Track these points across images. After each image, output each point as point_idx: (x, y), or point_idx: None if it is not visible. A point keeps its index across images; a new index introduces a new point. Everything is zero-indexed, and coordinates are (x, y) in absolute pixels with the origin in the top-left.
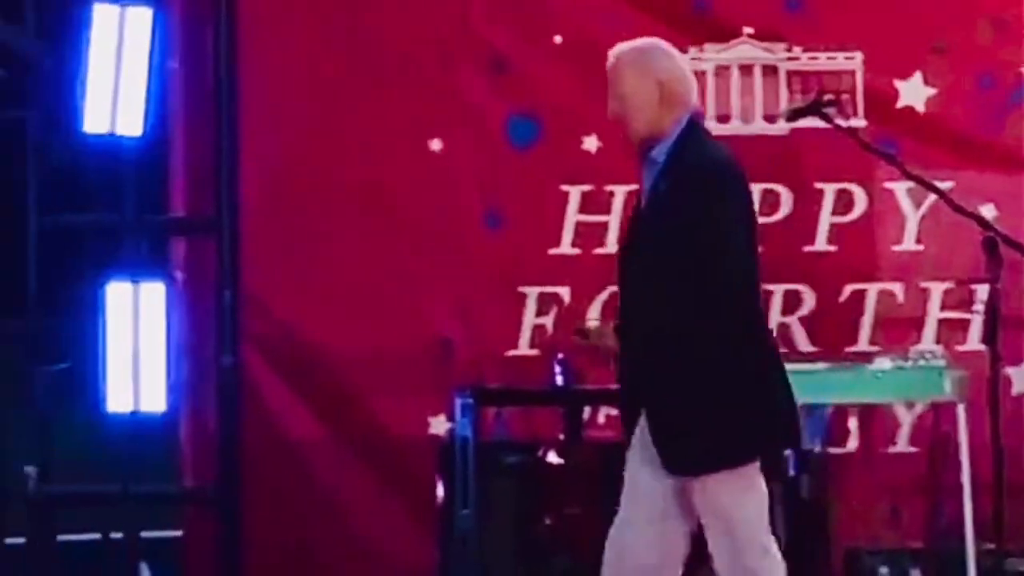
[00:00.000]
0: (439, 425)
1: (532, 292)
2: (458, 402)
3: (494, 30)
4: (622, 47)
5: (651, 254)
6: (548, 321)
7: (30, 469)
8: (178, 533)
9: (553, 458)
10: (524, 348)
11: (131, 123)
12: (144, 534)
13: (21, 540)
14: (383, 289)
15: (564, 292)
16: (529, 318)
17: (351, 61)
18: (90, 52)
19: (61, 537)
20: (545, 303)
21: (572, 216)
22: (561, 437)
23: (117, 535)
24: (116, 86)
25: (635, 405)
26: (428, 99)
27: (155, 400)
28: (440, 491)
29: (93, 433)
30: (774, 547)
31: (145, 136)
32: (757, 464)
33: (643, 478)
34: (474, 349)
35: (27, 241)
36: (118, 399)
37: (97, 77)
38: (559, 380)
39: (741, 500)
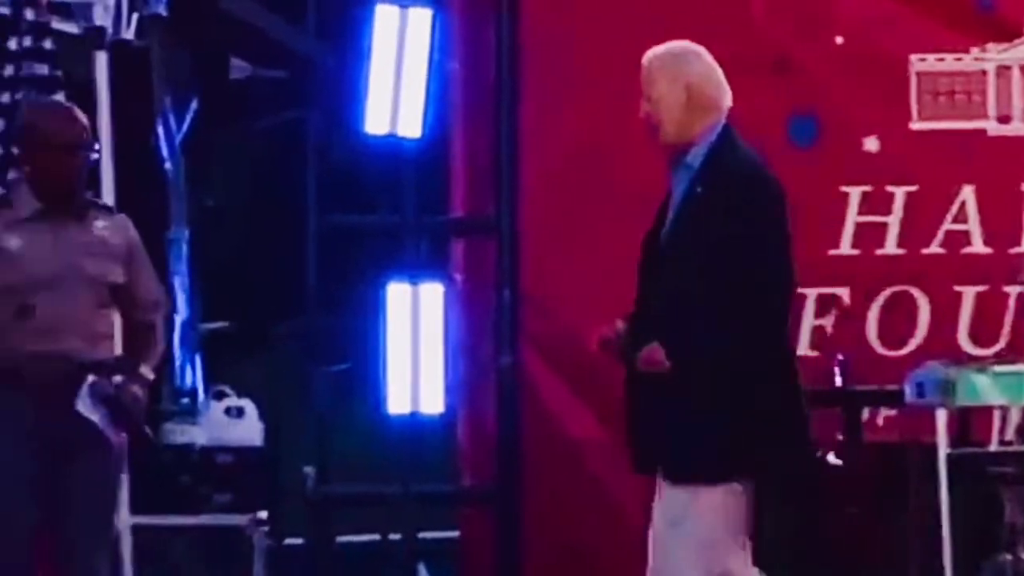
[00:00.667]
0: None
1: (811, 293)
2: None
3: (777, 30)
4: (655, 50)
5: (684, 257)
6: (827, 322)
7: (309, 469)
8: (456, 534)
9: (832, 459)
10: (803, 349)
11: (411, 124)
12: (422, 535)
13: (300, 541)
14: None
15: (843, 293)
16: (808, 319)
17: (634, 58)
18: (371, 53)
19: (340, 538)
20: (824, 304)
21: (852, 217)
22: (840, 438)
23: (395, 536)
24: (397, 87)
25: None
26: None
27: (434, 401)
28: None
29: (372, 434)
30: None
31: (425, 137)
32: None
33: None
34: None
35: (307, 241)
36: (398, 400)
37: (378, 78)
38: (838, 381)
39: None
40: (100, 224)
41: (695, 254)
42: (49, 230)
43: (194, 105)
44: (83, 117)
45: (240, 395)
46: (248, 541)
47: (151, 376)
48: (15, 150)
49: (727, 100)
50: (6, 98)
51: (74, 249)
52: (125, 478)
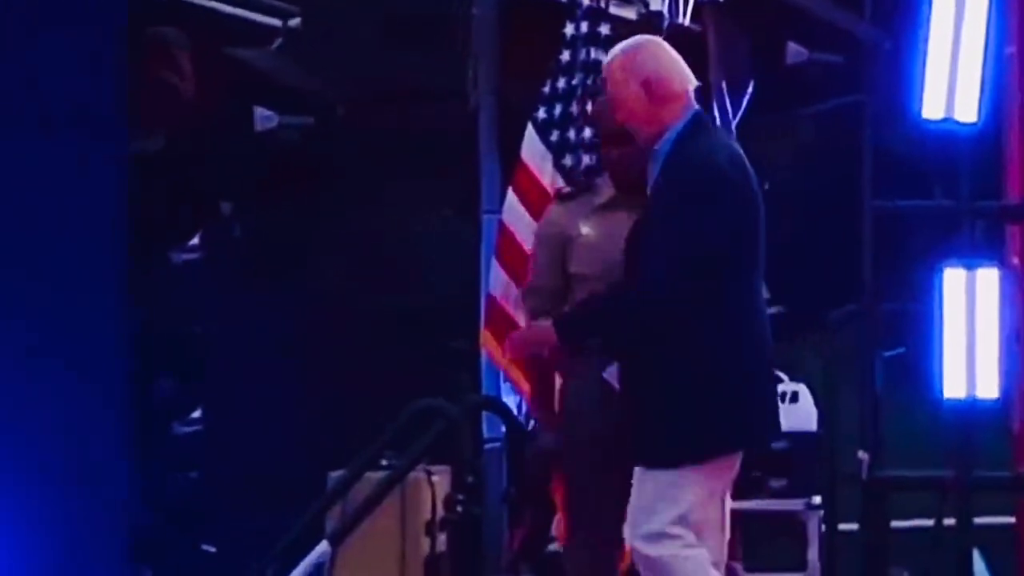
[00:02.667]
0: None
1: None
2: None
3: None
4: (612, 52)
5: (649, 244)
6: None
7: (863, 454)
8: (1011, 520)
9: None
10: None
11: (967, 109)
12: (977, 520)
13: (854, 526)
14: None
15: None
16: None
17: None
18: (927, 38)
19: (893, 523)
20: None
21: None
22: None
23: (949, 521)
24: (953, 72)
25: None
26: None
27: (988, 386)
28: None
29: (926, 419)
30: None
31: (981, 122)
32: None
33: None
34: None
35: (860, 226)
36: (953, 385)
37: (934, 63)
38: None
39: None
40: None
41: (658, 241)
42: (625, 218)
43: (749, 90)
44: None
45: (795, 380)
46: (803, 526)
47: None
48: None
49: (689, 85)
50: (563, 84)
51: None
52: None
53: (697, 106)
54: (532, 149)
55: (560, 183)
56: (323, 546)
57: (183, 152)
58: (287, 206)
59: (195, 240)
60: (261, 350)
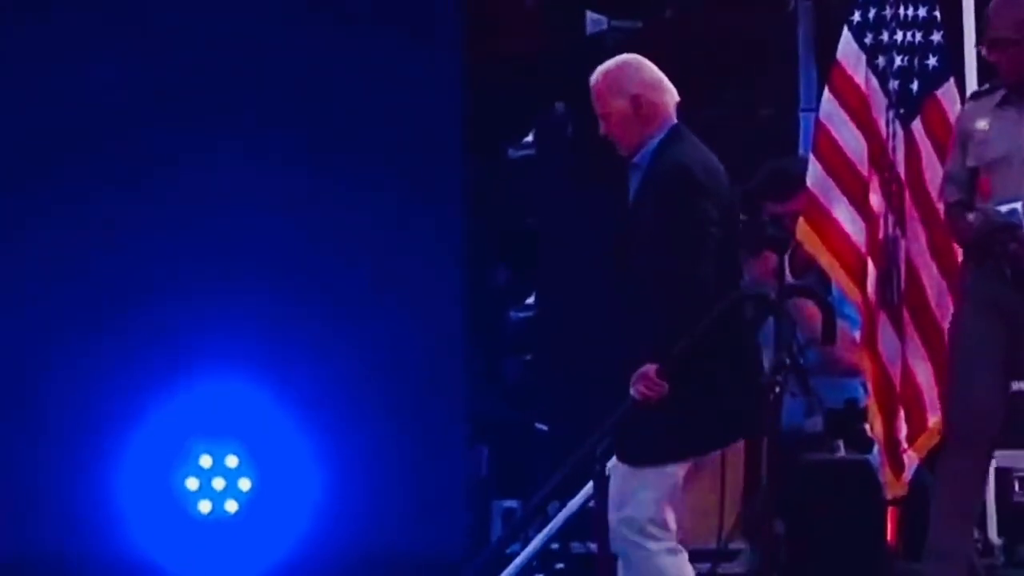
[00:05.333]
0: None
1: None
2: None
3: None
4: (600, 68)
5: (629, 256)
6: None
7: None
8: None
9: None
10: None
11: None
12: None
13: None
14: None
15: None
16: None
17: None
18: None
19: None
20: None
21: None
22: None
23: None
24: None
25: None
26: None
27: None
28: None
29: None
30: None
31: None
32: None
33: None
34: None
35: None
36: None
37: None
38: None
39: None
40: None
41: (635, 248)
42: (1015, 116)
43: None
44: None
45: None
46: None
47: None
48: None
49: (672, 101)
50: None
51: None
52: None
53: (675, 119)
54: (847, 50)
55: (874, 83)
56: None
57: (520, 53)
58: None
59: (529, 138)
60: (586, 243)
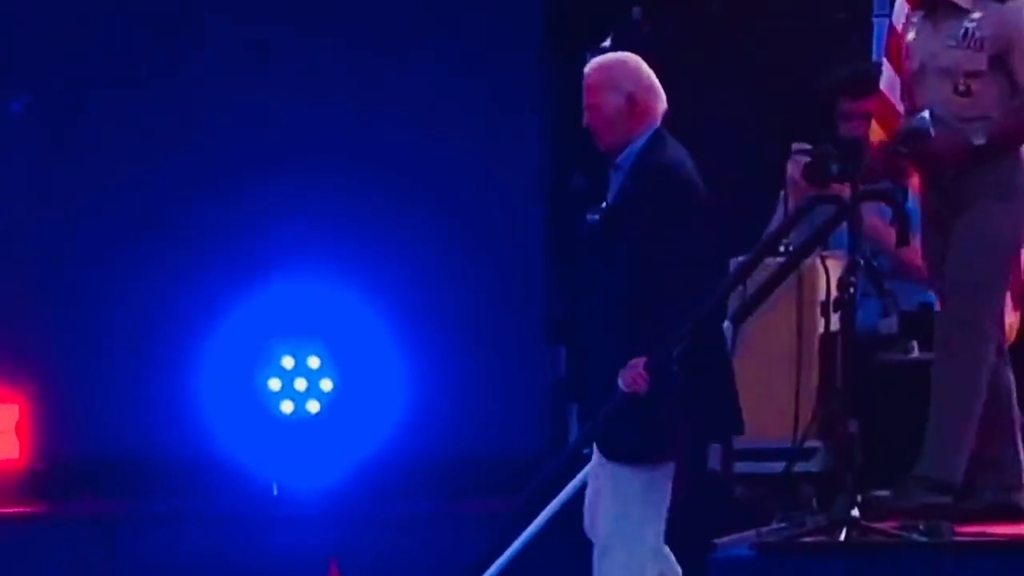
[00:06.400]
0: None
1: None
2: None
3: None
4: (596, 60)
5: (603, 253)
6: None
7: None
8: None
9: None
10: None
11: None
12: None
13: None
14: None
15: None
16: None
17: None
18: None
19: None
20: None
21: None
22: None
23: None
24: None
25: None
26: None
27: None
28: None
29: None
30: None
31: None
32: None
33: None
34: None
35: None
36: None
37: None
38: None
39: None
40: None
41: (614, 250)
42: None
43: None
44: None
45: None
46: None
47: None
48: None
49: (662, 108)
50: None
51: None
52: None
53: (659, 125)
54: None
55: None
56: (725, 325)
57: None
58: (693, 8)
59: (607, 42)
60: None
